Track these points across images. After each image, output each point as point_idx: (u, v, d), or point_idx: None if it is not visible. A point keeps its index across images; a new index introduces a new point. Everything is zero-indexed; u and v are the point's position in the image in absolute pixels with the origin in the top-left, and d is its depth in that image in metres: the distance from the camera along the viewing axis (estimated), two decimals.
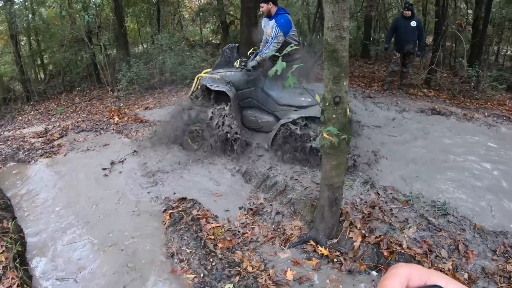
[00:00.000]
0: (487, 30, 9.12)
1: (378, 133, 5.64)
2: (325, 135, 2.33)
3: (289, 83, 2.24)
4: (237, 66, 4.89)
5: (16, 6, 12.31)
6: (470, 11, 11.10)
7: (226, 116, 4.88)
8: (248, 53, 5.15)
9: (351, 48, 12.23)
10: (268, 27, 5.01)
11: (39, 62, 15.39)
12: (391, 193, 3.80)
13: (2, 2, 12.19)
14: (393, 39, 7.71)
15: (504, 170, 4.50)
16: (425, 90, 7.94)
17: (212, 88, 4.94)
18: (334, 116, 2.49)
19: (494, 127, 6.04)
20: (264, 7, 4.97)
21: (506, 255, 3.21)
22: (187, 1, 15.97)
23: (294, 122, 4.57)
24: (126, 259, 3.42)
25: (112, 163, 5.21)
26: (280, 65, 2.16)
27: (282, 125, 4.66)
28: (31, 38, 14.64)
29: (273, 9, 4.96)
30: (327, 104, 2.49)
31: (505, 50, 13.40)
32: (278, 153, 4.74)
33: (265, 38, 5.16)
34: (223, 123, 4.86)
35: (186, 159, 5.08)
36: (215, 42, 13.89)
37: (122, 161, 5.27)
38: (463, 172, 4.44)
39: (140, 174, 4.92)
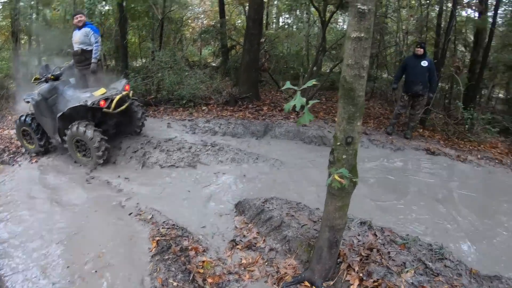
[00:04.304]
0: (483, 73, 9.34)
1: None
2: (336, 177, 2.23)
3: (304, 120, 2.16)
4: (33, 80, 6.19)
5: (21, 4, 12.29)
6: (467, 54, 11.39)
7: (33, 120, 6.04)
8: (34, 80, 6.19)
9: None
10: (77, 35, 6.47)
11: (36, 63, 15.18)
12: (388, 235, 3.70)
13: None
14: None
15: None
16: (420, 130, 8.00)
17: (25, 100, 6.00)
18: (344, 156, 2.40)
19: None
20: (79, 18, 6.44)
21: None
22: (190, 21, 16.08)
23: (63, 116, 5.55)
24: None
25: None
26: (299, 100, 2.09)
27: (58, 117, 5.56)
28: (32, 38, 14.51)
29: (84, 20, 6.51)
30: (338, 143, 2.41)
31: (497, 93, 13.68)
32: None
33: (75, 47, 6.55)
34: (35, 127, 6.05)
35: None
36: (213, 64, 13.90)
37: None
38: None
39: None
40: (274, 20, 17.86)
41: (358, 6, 2.21)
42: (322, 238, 2.95)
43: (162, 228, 4.00)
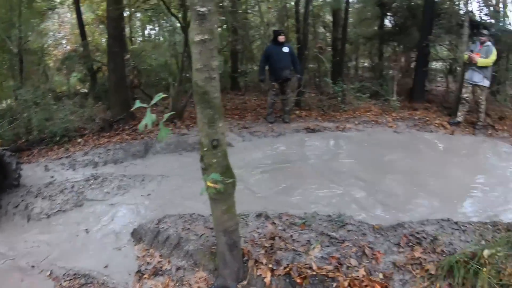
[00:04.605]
0: (345, 48, 10.11)
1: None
2: (208, 183, 2.19)
3: (161, 136, 2.09)
4: None
5: None
6: (328, 34, 12.31)
7: None
8: None
9: (221, 82, 12.60)
10: None
11: None
12: (287, 219, 3.81)
13: None
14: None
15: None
16: (297, 112, 8.39)
17: None
18: (214, 160, 2.38)
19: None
20: None
21: (410, 243, 3.40)
22: (52, 48, 14.94)
23: None
24: None
25: None
26: (149, 117, 2.02)
27: None
28: None
29: None
30: (205, 149, 2.37)
31: (362, 63, 15.05)
32: None
33: None
34: None
35: None
36: (84, 91, 13.10)
37: None
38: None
39: None
40: (140, 33, 17.37)
41: (198, 9, 2.18)
42: (220, 243, 2.93)
43: (64, 281, 3.67)
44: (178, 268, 3.50)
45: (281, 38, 7.43)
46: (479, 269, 2.81)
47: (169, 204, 4.80)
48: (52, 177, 6.17)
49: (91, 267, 3.80)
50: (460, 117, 7.66)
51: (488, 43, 7.31)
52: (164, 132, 2.10)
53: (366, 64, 14.85)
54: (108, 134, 7.99)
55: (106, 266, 3.79)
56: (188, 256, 3.53)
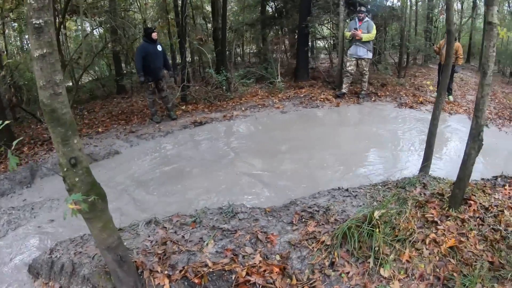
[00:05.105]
0: (226, 37, 10.25)
1: None
2: (70, 206, 2.07)
3: (11, 165, 1.95)
4: None
5: None
6: (209, 25, 12.34)
7: None
8: None
9: (106, 88, 12.12)
10: None
11: None
12: (178, 220, 3.74)
13: None
14: None
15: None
16: (183, 107, 8.31)
17: None
18: (77, 179, 2.25)
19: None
20: None
21: (303, 219, 3.51)
22: None
23: None
24: None
25: None
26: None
27: None
28: None
29: None
30: (65, 169, 2.23)
31: (249, 50, 15.32)
32: None
33: None
34: None
35: None
36: None
37: None
38: None
39: None
40: (18, 44, 15.91)
41: (33, 21, 2.00)
42: (108, 262, 2.80)
43: None
44: None
45: (155, 35, 7.25)
46: (373, 230, 2.97)
47: (61, 229, 4.49)
48: None
49: None
50: (345, 89, 8.24)
51: (367, 19, 7.91)
52: (13, 162, 1.96)
53: (252, 50, 15.21)
54: None
55: None
56: (85, 281, 3.31)
